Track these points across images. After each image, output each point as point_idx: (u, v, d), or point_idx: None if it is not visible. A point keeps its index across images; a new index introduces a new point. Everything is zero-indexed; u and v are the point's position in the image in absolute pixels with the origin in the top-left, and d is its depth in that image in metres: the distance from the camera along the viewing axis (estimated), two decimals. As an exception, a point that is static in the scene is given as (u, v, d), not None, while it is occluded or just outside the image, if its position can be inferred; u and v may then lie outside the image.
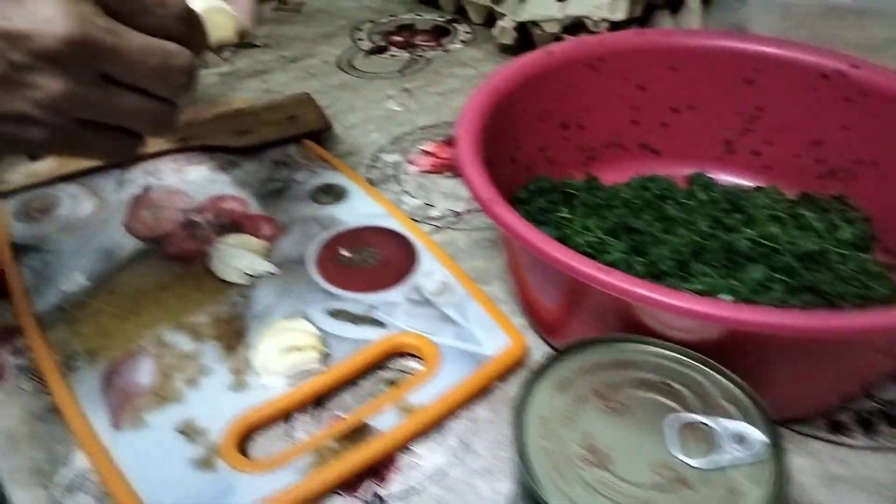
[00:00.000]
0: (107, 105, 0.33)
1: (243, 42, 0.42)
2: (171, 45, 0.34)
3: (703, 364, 0.34)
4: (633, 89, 0.55)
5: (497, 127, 0.47)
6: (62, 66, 0.31)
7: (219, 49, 0.45)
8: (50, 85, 0.31)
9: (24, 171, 0.57)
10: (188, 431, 0.39)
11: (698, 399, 0.33)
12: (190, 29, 0.36)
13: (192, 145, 0.60)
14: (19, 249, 0.52)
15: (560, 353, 0.35)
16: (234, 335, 0.45)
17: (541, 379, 0.34)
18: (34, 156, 0.47)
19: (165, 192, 0.56)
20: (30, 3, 0.30)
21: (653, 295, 0.33)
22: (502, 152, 0.49)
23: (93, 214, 0.55)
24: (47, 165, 0.58)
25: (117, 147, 0.36)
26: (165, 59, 0.34)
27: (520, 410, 0.33)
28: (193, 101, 0.41)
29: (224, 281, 0.49)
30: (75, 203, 0.55)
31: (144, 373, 0.43)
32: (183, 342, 0.44)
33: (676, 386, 0.34)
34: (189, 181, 0.58)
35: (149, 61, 0.33)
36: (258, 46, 0.83)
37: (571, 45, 0.53)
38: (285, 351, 0.42)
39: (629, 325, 0.38)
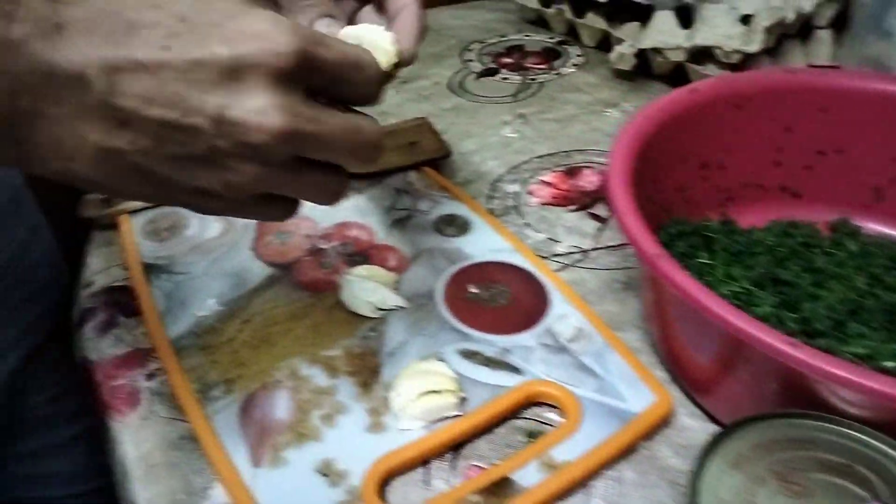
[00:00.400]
0: (291, 183, 0.33)
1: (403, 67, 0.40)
2: (365, 122, 0.34)
3: (891, 447, 0.32)
4: (779, 130, 0.53)
5: (640, 169, 0.46)
6: (261, 156, 0.31)
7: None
8: (244, 170, 0.31)
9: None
10: (328, 473, 0.39)
11: (887, 487, 0.31)
12: (381, 88, 0.36)
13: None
14: (149, 269, 0.52)
15: (731, 428, 0.33)
16: (368, 372, 0.44)
17: (713, 455, 0.32)
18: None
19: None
20: (245, 92, 0.29)
21: (850, 376, 0.31)
22: (642, 194, 0.47)
23: (220, 236, 0.55)
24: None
25: (282, 213, 0.36)
26: (358, 136, 0.34)
27: (695, 490, 0.31)
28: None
29: (354, 313, 0.48)
30: (203, 224, 0.56)
31: (281, 407, 0.42)
32: (318, 376, 0.44)
33: (862, 470, 0.32)
34: (313, 206, 0.57)
35: (344, 142, 0.33)
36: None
37: (717, 82, 0.51)
38: (424, 394, 0.41)
39: (797, 391, 0.36)
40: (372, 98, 0.35)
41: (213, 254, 0.53)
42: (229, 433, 0.41)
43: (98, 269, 0.55)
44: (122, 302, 0.51)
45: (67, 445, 0.62)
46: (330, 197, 0.36)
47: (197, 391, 0.43)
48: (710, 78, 0.52)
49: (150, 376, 0.46)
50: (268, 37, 0.29)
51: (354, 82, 0.33)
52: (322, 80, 0.32)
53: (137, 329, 0.49)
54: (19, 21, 0.27)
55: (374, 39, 0.38)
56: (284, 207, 0.36)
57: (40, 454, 0.60)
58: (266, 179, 0.32)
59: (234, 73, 0.29)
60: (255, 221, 0.56)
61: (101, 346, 0.48)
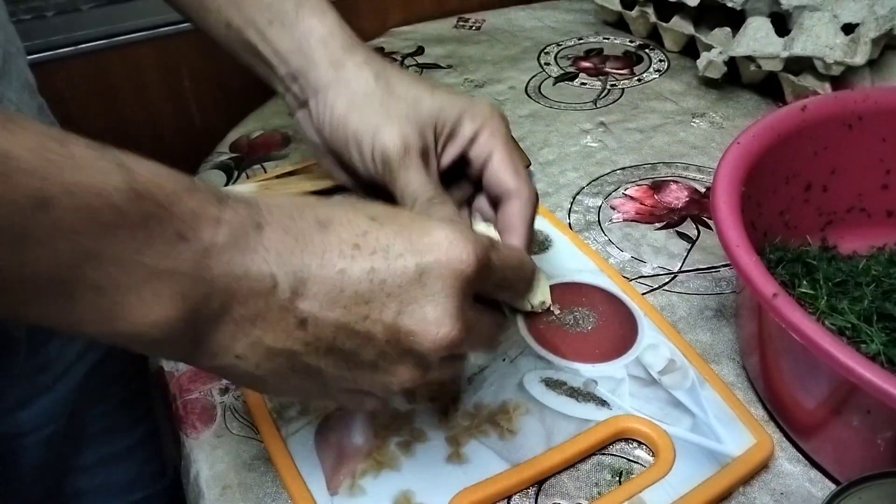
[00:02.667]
0: (437, 381, 0.35)
1: None
2: (500, 317, 0.36)
3: None
4: (890, 151, 0.49)
5: (746, 193, 0.43)
6: (422, 361, 0.31)
7: None
8: (403, 374, 0.31)
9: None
10: (406, 506, 0.37)
11: None
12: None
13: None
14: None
15: (850, 486, 0.31)
16: (447, 398, 0.42)
17: (833, 516, 0.30)
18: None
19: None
20: (423, 301, 0.30)
21: None
22: (745, 219, 0.44)
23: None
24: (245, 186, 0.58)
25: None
26: (497, 332, 0.36)
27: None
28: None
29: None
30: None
31: (358, 432, 0.41)
32: (397, 400, 0.42)
33: None
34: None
35: (488, 341, 0.35)
36: (443, 67, 0.81)
37: (827, 100, 0.48)
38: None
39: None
40: (523, 296, 0.39)
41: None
42: (305, 457, 0.40)
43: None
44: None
45: (125, 454, 0.62)
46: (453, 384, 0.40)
47: (273, 410, 0.42)
48: (821, 95, 0.49)
49: (225, 391, 0.45)
50: (451, 246, 0.30)
51: (516, 283, 0.35)
52: (492, 283, 0.33)
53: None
54: (225, 223, 0.27)
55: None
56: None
57: (100, 465, 0.61)
58: (417, 381, 0.32)
59: (416, 282, 0.29)
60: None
61: (175, 357, 0.48)
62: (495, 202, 0.43)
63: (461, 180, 0.46)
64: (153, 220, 0.25)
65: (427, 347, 0.30)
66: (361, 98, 0.43)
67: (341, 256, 0.29)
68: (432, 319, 0.29)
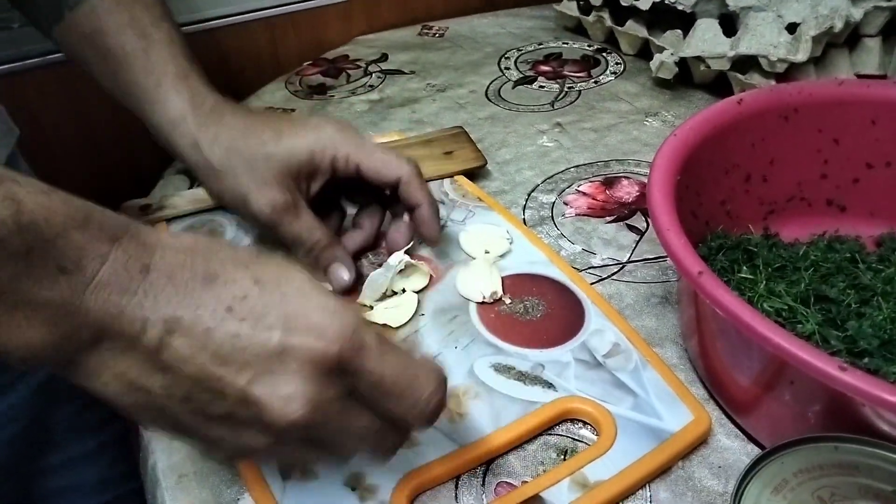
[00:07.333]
0: (299, 455, 0.33)
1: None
2: (390, 432, 0.34)
3: (945, 478, 0.30)
4: (827, 142, 0.51)
5: (683, 183, 0.44)
6: (275, 434, 0.31)
7: None
8: (251, 439, 0.31)
9: (190, 196, 0.58)
10: (357, 487, 0.38)
11: (941, 519, 0.29)
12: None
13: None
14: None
15: (773, 451, 0.32)
16: (399, 385, 0.43)
17: (754, 478, 0.31)
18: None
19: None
20: (280, 377, 0.30)
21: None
22: (685, 208, 0.46)
23: (255, 244, 0.55)
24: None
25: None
26: (381, 438, 0.33)
27: (735, 514, 0.30)
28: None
29: (385, 325, 0.48)
30: (239, 231, 0.56)
31: (311, 419, 0.42)
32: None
33: (913, 501, 0.30)
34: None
35: (360, 440, 0.33)
36: (406, 73, 0.83)
37: (763, 93, 0.50)
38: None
39: (842, 414, 0.34)
40: (416, 424, 0.34)
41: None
42: (259, 443, 0.41)
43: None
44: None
45: (94, 455, 0.63)
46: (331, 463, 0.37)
47: (228, 400, 0.43)
48: (756, 89, 0.50)
49: (183, 384, 0.46)
50: (319, 332, 0.30)
51: (394, 390, 0.32)
52: (365, 384, 0.32)
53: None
54: (111, 261, 0.28)
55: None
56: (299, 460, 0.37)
57: (69, 465, 0.61)
58: (276, 451, 0.32)
59: (276, 356, 0.30)
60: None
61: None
62: (393, 191, 0.49)
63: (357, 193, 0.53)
64: (34, 252, 0.27)
65: (272, 420, 0.30)
66: (224, 173, 0.49)
67: (212, 317, 0.29)
68: (282, 395, 0.30)
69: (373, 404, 0.32)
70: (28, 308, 0.27)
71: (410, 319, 0.48)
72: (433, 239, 0.51)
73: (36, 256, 0.27)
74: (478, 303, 0.49)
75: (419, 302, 0.49)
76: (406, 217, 0.52)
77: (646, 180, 0.62)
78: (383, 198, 0.53)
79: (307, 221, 0.49)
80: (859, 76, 0.71)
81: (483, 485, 0.40)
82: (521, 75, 0.81)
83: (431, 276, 0.51)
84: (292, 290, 0.31)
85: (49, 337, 0.27)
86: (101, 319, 0.28)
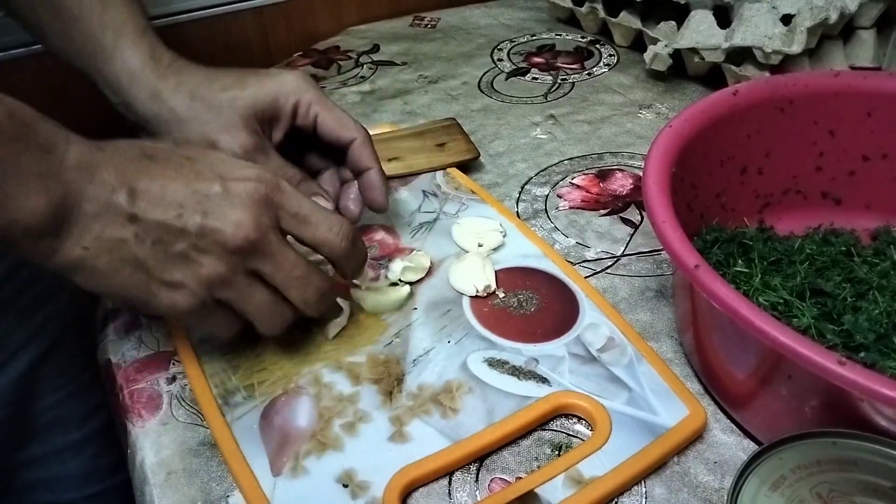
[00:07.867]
0: (245, 293, 0.39)
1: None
2: (315, 271, 0.41)
3: (943, 473, 0.30)
4: (823, 134, 0.51)
5: (678, 174, 0.44)
6: (228, 256, 0.38)
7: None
8: (212, 266, 0.38)
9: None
10: (349, 483, 0.38)
11: (939, 515, 0.29)
12: (345, 260, 0.42)
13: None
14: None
15: (771, 446, 0.32)
16: (392, 380, 0.43)
17: (751, 475, 0.31)
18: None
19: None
20: (226, 208, 0.38)
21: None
22: (680, 200, 0.45)
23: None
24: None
25: (226, 327, 0.42)
26: (308, 275, 0.40)
27: (732, 511, 0.29)
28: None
29: (378, 319, 0.47)
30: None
31: (303, 414, 0.41)
32: (341, 383, 0.43)
33: (912, 496, 0.30)
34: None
35: (294, 272, 0.40)
36: (398, 64, 0.82)
37: (759, 84, 0.49)
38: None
39: (840, 409, 0.34)
40: (334, 251, 0.42)
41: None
42: (250, 440, 0.40)
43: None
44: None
45: (78, 447, 0.62)
46: (271, 322, 0.41)
47: (218, 396, 0.43)
48: (752, 80, 0.50)
49: (172, 380, 0.46)
50: (248, 176, 0.39)
51: (310, 217, 0.41)
52: (288, 214, 0.40)
53: (160, 331, 0.49)
54: (74, 143, 0.36)
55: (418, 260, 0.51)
56: (230, 321, 0.41)
57: (52, 457, 0.60)
58: (226, 280, 0.38)
59: (222, 194, 0.38)
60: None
61: (123, 348, 0.48)
62: (341, 152, 0.51)
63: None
64: (23, 134, 0.34)
65: (228, 240, 0.37)
66: (189, 121, 0.49)
67: (164, 175, 0.38)
68: (232, 220, 0.38)
69: (295, 234, 0.40)
70: (31, 179, 0.34)
71: (402, 312, 0.47)
72: (381, 205, 0.50)
73: (25, 138, 0.34)
74: (471, 297, 0.48)
75: (412, 294, 0.49)
76: (356, 184, 0.52)
77: (640, 173, 0.62)
78: (336, 166, 0.54)
79: (277, 160, 0.50)
80: (854, 68, 0.71)
81: (477, 481, 0.39)
82: (514, 67, 0.81)
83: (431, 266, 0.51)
84: (216, 158, 0.40)
85: (47, 203, 0.34)
86: (80, 187, 0.35)
